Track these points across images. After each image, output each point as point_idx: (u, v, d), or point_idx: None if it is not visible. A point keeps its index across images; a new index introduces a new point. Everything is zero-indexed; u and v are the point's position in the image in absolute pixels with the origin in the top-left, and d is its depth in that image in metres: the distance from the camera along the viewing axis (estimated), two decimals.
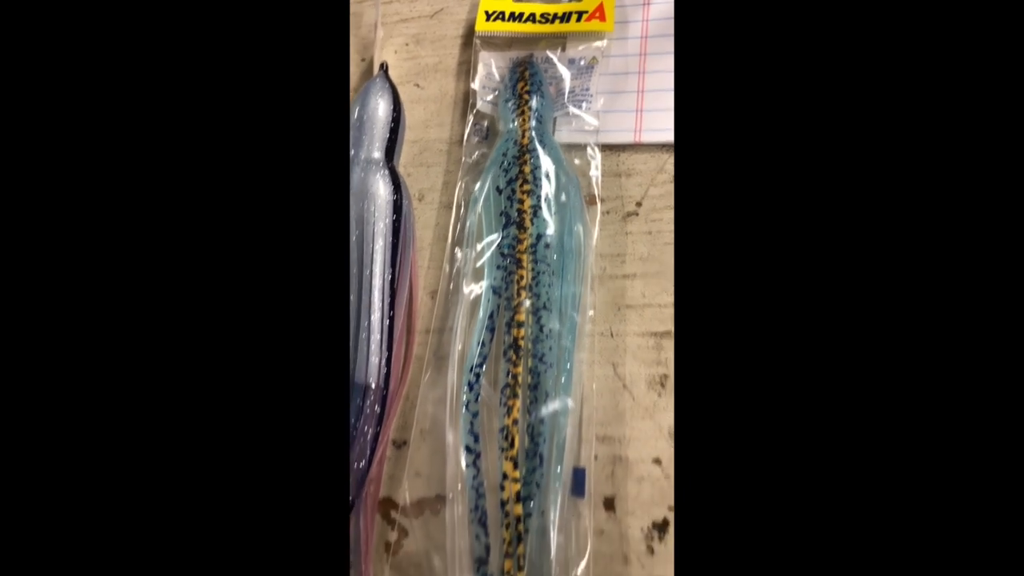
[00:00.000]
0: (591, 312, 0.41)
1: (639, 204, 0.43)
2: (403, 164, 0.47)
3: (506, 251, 0.41)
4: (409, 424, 0.41)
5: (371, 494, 0.40)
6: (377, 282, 0.42)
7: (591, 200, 0.43)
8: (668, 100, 0.44)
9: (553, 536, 0.37)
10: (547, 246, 0.41)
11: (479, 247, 0.42)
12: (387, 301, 0.42)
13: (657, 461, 0.38)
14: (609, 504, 0.38)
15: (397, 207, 0.43)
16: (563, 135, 0.45)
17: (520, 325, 0.39)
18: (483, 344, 0.40)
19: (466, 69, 0.49)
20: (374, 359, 0.41)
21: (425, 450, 0.41)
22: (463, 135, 0.46)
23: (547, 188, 0.42)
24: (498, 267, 0.41)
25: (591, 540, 0.37)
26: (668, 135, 0.43)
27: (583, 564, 0.37)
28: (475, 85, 0.47)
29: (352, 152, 0.44)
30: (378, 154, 0.44)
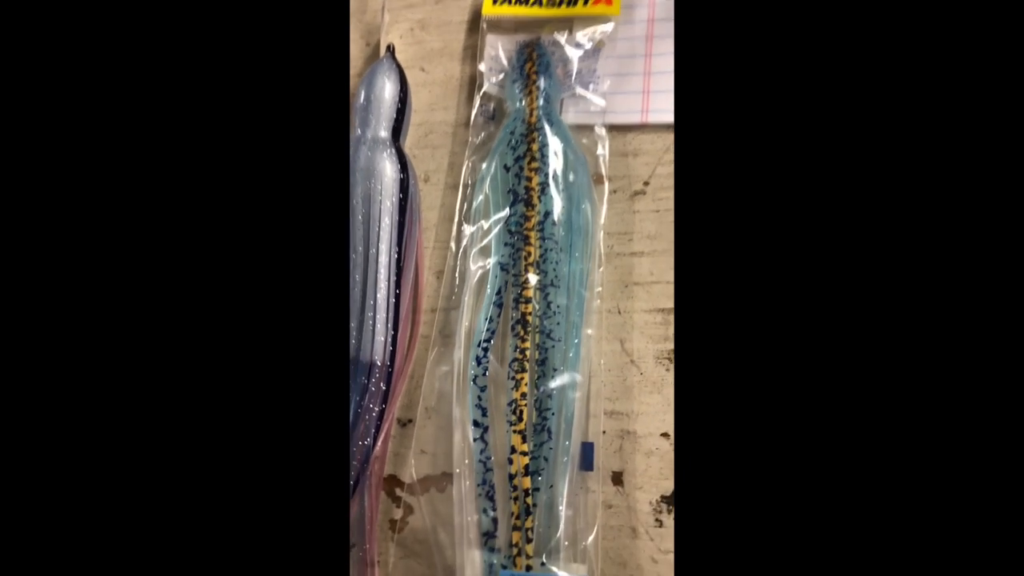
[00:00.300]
0: (599, 289, 0.40)
1: (646, 183, 0.43)
2: (409, 146, 0.47)
3: (514, 228, 0.41)
4: (415, 403, 0.41)
5: (376, 472, 0.40)
6: (383, 260, 0.42)
7: (599, 179, 0.43)
8: (674, 82, 0.44)
9: (562, 510, 0.36)
10: (555, 223, 0.41)
11: (486, 225, 0.42)
12: (393, 279, 0.42)
13: (665, 435, 0.38)
14: (617, 478, 0.38)
15: (403, 186, 0.43)
16: (570, 116, 0.45)
17: (527, 301, 0.39)
18: (491, 320, 0.39)
19: (472, 54, 0.49)
20: (379, 337, 0.41)
21: (431, 428, 0.40)
22: (469, 118, 0.46)
23: (555, 166, 0.42)
24: (505, 244, 0.41)
25: (600, 514, 0.37)
26: (674, 115, 0.43)
27: (591, 537, 0.36)
28: (482, 67, 0.47)
29: (359, 131, 0.44)
30: (385, 133, 0.44)
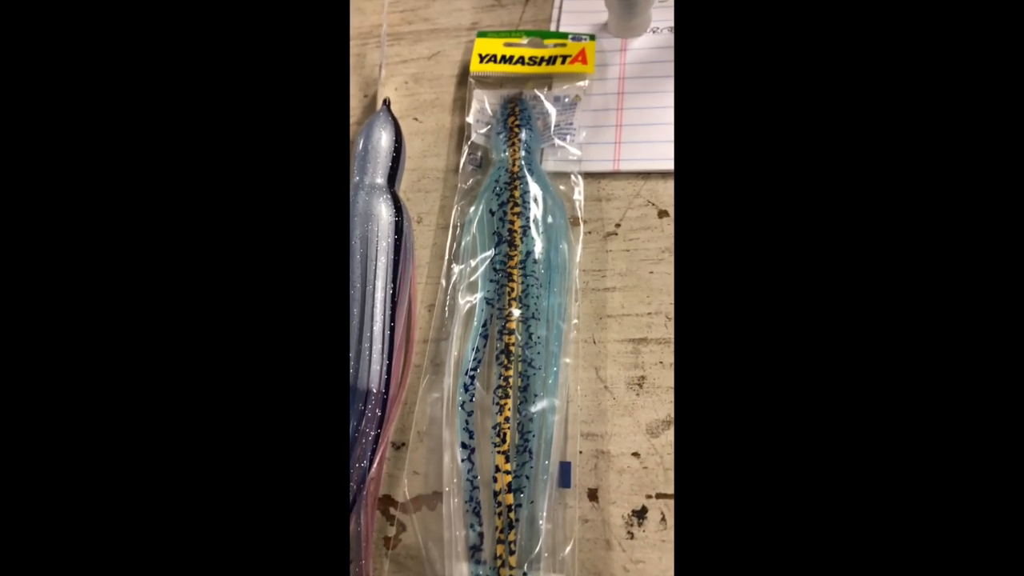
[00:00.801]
0: (575, 321, 0.44)
1: (618, 225, 0.47)
2: (403, 190, 0.51)
3: (498, 266, 0.45)
4: (408, 427, 0.45)
5: (371, 492, 0.43)
6: (379, 296, 0.46)
7: (575, 221, 0.48)
8: (644, 133, 0.49)
9: (542, 524, 0.40)
10: (535, 262, 0.45)
11: (473, 263, 0.46)
12: (388, 313, 0.46)
13: (636, 454, 0.42)
14: (593, 495, 0.42)
15: (398, 228, 0.47)
16: (549, 164, 0.49)
17: (511, 332, 0.43)
18: (477, 350, 0.43)
19: (461, 105, 0.54)
20: (375, 366, 0.45)
21: (423, 450, 0.44)
22: (458, 164, 0.51)
23: (535, 211, 0.46)
24: (491, 280, 0.45)
25: (577, 528, 0.40)
26: (644, 164, 0.48)
27: (568, 549, 0.40)
28: (470, 119, 0.51)
29: (357, 178, 0.48)
30: (381, 180, 0.48)
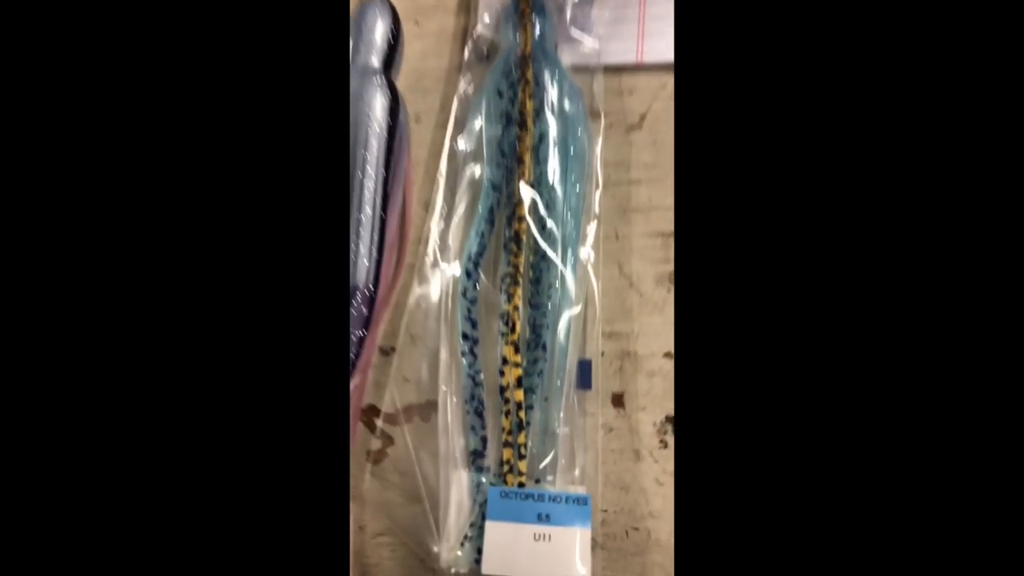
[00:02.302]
0: (595, 211, 0.39)
1: (642, 117, 0.42)
2: (400, 89, 0.46)
3: (507, 149, 0.39)
4: (398, 331, 0.38)
5: (354, 401, 0.37)
6: (369, 184, 0.40)
7: (594, 115, 0.42)
8: (669, 25, 0.44)
9: (558, 429, 0.33)
10: (550, 146, 0.39)
11: (472, 145, 0.40)
12: (379, 202, 0.40)
13: (668, 355, 0.35)
14: (618, 400, 0.35)
15: (393, 113, 0.41)
16: (565, 58, 0.44)
17: (521, 219, 0.37)
18: (482, 235, 0.37)
19: (465, 7, 0.49)
20: (363, 260, 0.38)
21: (415, 355, 0.37)
22: (461, 63, 0.46)
23: (551, 92, 0.41)
24: (497, 165, 0.39)
25: (600, 436, 0.34)
26: (669, 55, 0.43)
27: (591, 459, 0.33)
28: (476, 9, 0.46)
29: (349, 59, 0.43)
30: (376, 63, 0.43)
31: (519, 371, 0.34)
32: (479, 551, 0.31)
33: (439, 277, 0.37)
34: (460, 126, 0.42)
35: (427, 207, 0.41)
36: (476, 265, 0.36)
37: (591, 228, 0.38)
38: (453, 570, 0.31)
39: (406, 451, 0.35)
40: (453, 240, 0.38)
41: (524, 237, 0.37)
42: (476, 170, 0.39)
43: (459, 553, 0.31)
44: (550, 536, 0.31)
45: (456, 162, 0.40)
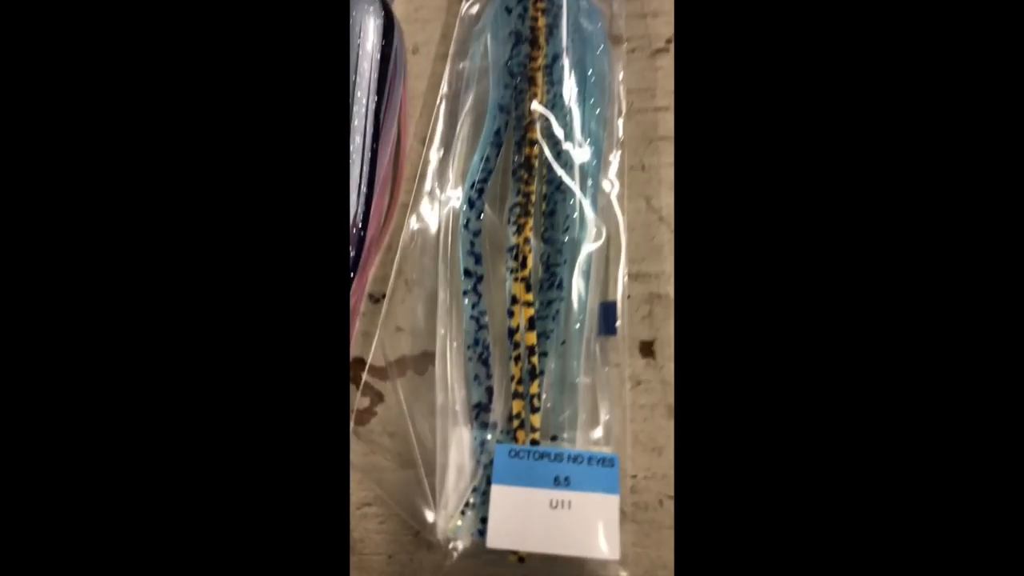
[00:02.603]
0: (620, 136, 0.34)
1: (669, 41, 0.37)
2: (398, 18, 0.41)
3: (516, 69, 0.34)
4: (389, 276, 0.33)
5: None
6: (360, 111, 0.35)
7: (615, 40, 0.37)
8: None
9: (578, 377, 0.28)
10: (565, 67, 0.34)
11: (484, 63, 0.35)
12: (370, 131, 0.35)
13: None
14: (647, 349, 0.30)
15: (387, 34, 0.37)
16: None
17: (533, 143, 0.32)
18: (487, 160, 0.32)
19: None
20: (351, 194, 0.33)
21: (410, 302, 0.32)
22: None
23: (565, 9, 0.36)
24: (505, 86, 0.34)
25: (628, 391, 0.28)
26: None
27: (616, 415, 0.28)
28: None
29: None
30: None
31: (531, 311, 0.28)
32: (483, 521, 0.25)
33: (437, 209, 0.32)
34: (463, 48, 0.37)
35: (424, 142, 0.36)
36: (480, 193, 0.31)
37: (613, 158, 0.33)
38: (452, 544, 0.26)
39: (398, 409, 0.30)
40: (454, 168, 0.33)
41: (536, 163, 0.32)
42: (481, 92, 0.34)
43: (459, 523, 0.26)
44: (570, 503, 0.25)
45: (459, 85, 0.35)
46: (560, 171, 0.32)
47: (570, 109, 0.33)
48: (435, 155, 0.34)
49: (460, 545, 0.26)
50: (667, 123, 0.35)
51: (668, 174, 0.33)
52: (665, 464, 0.28)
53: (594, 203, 0.31)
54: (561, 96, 0.33)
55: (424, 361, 0.31)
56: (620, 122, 0.34)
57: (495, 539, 0.25)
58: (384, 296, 0.33)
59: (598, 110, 0.34)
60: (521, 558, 0.25)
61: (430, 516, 0.26)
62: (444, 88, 0.36)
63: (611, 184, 0.32)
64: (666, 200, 0.33)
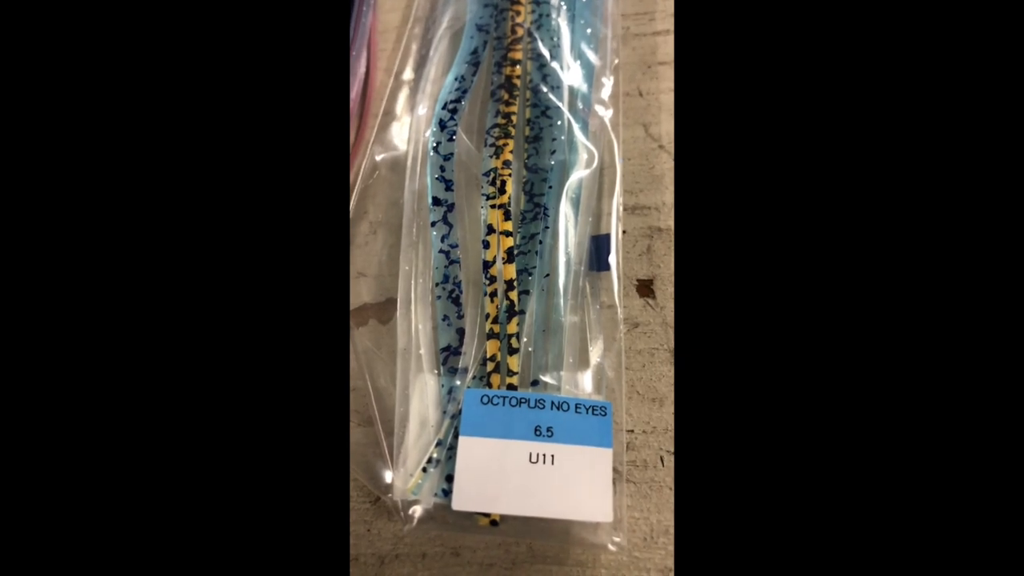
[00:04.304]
0: (615, 62, 0.30)
1: None
2: None
3: None
4: (354, 218, 0.29)
5: None
6: None
7: None
8: None
9: (564, 317, 0.24)
10: None
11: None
12: None
13: None
14: (645, 288, 0.26)
15: None
16: None
17: (515, 63, 0.28)
18: (461, 79, 0.28)
19: None
20: None
21: (374, 246, 0.28)
22: None
23: None
24: (484, 5, 0.30)
25: (622, 333, 0.24)
26: None
27: (610, 361, 0.23)
28: None
29: None
30: None
31: (510, 241, 0.24)
32: (449, 480, 0.21)
33: (405, 135, 0.28)
34: None
35: (395, 76, 0.32)
36: (453, 114, 0.27)
37: (607, 81, 0.29)
38: (413, 509, 0.22)
39: (356, 361, 0.26)
40: (425, 92, 0.29)
41: (518, 83, 0.28)
42: (459, 11, 0.31)
43: (419, 482, 0.22)
44: (552, 457, 0.21)
45: (432, 4, 0.32)
46: (548, 93, 0.28)
47: (558, 27, 0.29)
48: (405, 79, 0.30)
49: (420, 508, 0.21)
50: (667, 47, 0.31)
51: (668, 100, 0.30)
52: (667, 416, 0.24)
53: (585, 127, 0.28)
54: (549, 15, 0.30)
55: (388, 309, 0.27)
56: (614, 45, 0.30)
57: (462, 500, 0.20)
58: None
59: (589, 30, 0.30)
60: (494, 521, 0.21)
61: (387, 475, 0.22)
62: (417, 10, 0.32)
63: (605, 107, 0.29)
64: (666, 127, 0.29)
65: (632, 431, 0.24)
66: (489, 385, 0.22)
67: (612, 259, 0.25)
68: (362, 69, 0.33)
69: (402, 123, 0.29)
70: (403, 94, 0.30)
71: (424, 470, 0.22)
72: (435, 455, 0.22)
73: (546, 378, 0.23)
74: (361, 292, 0.28)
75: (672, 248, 0.26)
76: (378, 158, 0.29)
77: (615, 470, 0.22)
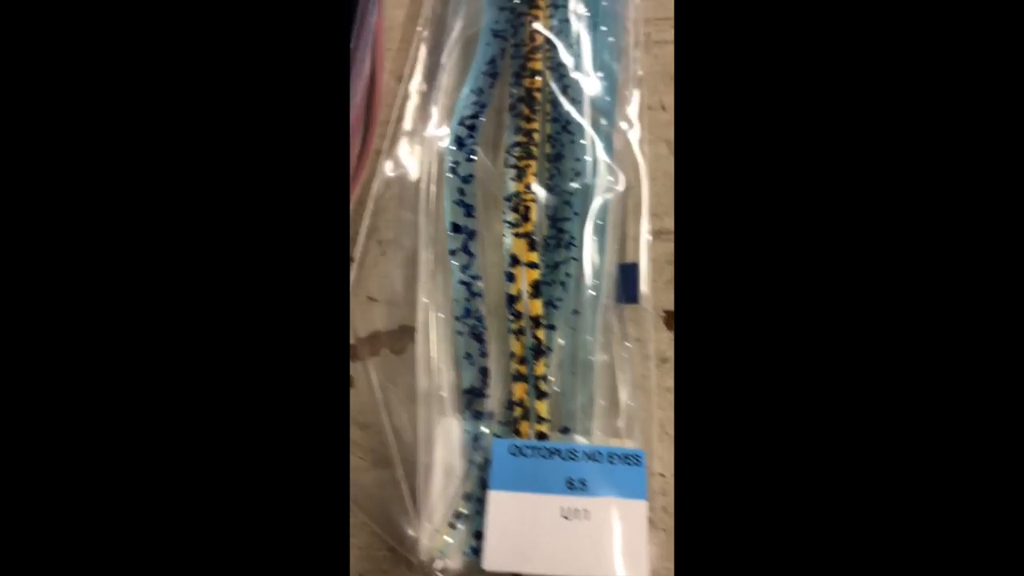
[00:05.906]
0: (638, 73, 0.28)
1: None
2: None
3: None
4: (358, 237, 0.27)
5: None
6: None
7: None
8: None
9: (593, 355, 0.22)
10: None
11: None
12: None
13: None
14: (674, 320, 0.25)
15: None
16: None
17: (535, 74, 0.27)
18: (479, 92, 0.27)
19: None
20: None
21: (385, 267, 0.27)
22: None
23: None
24: (501, 8, 0.29)
25: (654, 370, 0.23)
26: None
27: (641, 401, 0.22)
28: None
29: None
30: None
31: (536, 273, 0.23)
32: (477, 536, 0.20)
33: (419, 153, 0.27)
34: None
35: (402, 80, 0.31)
36: (471, 131, 0.26)
37: (630, 95, 0.28)
38: (438, 564, 0.21)
39: (369, 395, 0.24)
40: (439, 104, 0.27)
41: (539, 96, 0.26)
42: (472, 15, 0.29)
43: (447, 539, 0.21)
44: (587, 512, 0.20)
45: (444, 8, 0.30)
46: (568, 107, 0.26)
47: (578, 34, 0.28)
48: (415, 90, 0.28)
49: (449, 566, 0.20)
50: None
51: None
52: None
53: (608, 146, 0.26)
54: (568, 21, 0.28)
55: (402, 337, 0.25)
56: (636, 54, 0.29)
57: (493, 559, 0.19)
58: (353, 261, 0.27)
59: (611, 38, 0.28)
60: None
61: (410, 529, 0.21)
62: (427, 11, 0.30)
63: (629, 125, 0.27)
64: None
65: (663, 475, 0.23)
66: (517, 433, 0.21)
67: (641, 289, 0.24)
68: (367, 71, 0.31)
69: (414, 137, 0.27)
70: (413, 103, 0.28)
71: (451, 526, 0.20)
72: (463, 510, 0.21)
73: (577, 426, 0.22)
74: (373, 319, 0.26)
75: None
76: (389, 174, 0.27)
77: (648, 519, 0.21)
